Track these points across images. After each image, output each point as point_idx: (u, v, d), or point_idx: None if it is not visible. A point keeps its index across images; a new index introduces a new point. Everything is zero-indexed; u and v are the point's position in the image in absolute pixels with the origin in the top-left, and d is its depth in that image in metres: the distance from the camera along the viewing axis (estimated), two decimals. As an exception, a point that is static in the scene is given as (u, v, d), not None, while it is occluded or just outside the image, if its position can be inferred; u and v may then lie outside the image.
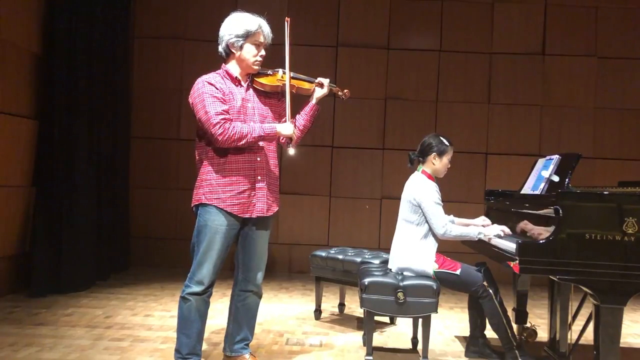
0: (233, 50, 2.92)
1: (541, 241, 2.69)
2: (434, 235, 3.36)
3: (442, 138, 3.46)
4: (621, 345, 2.72)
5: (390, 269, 3.47)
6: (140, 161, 6.24)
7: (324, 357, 3.43)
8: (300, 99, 3.13)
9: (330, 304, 4.75)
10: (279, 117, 3.06)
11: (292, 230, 6.32)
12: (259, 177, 2.92)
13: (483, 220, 3.52)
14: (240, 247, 3.02)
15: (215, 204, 2.85)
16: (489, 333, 3.45)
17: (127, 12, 6.01)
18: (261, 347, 3.54)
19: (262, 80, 2.98)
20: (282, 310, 4.55)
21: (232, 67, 2.96)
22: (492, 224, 3.45)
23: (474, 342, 3.53)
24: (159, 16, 6.33)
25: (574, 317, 3.39)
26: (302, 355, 3.45)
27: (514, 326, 3.46)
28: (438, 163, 3.44)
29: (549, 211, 2.78)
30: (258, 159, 2.92)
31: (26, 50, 4.70)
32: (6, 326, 3.76)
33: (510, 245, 2.89)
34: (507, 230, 3.25)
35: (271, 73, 3.03)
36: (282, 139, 2.97)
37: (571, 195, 2.70)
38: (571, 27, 6.32)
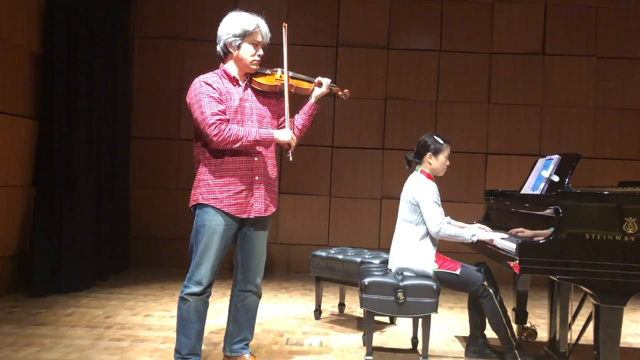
0: (231, 50, 2.91)
1: (541, 241, 2.69)
2: (432, 235, 3.36)
3: (436, 137, 3.47)
4: (621, 345, 2.72)
5: (390, 269, 3.47)
6: (140, 161, 6.24)
7: (324, 357, 3.43)
8: (300, 99, 3.12)
9: (330, 304, 4.75)
10: (278, 116, 3.05)
11: (292, 230, 6.32)
12: (257, 178, 2.92)
13: (479, 227, 3.51)
14: (238, 247, 3.02)
15: (212, 204, 2.85)
16: (489, 333, 3.45)
17: (127, 12, 6.02)
18: (261, 347, 3.54)
19: (260, 80, 2.97)
20: (282, 310, 4.55)
21: (230, 66, 2.95)
22: (492, 224, 3.46)
23: (474, 342, 3.53)
24: (159, 16, 6.32)
25: (574, 317, 3.39)
26: (302, 355, 3.45)
27: (514, 326, 3.46)
28: (435, 162, 3.44)
29: (549, 211, 2.78)
30: (256, 159, 2.92)
31: (26, 50, 4.71)
32: (6, 326, 3.76)
33: (510, 245, 2.89)
34: (501, 241, 3.20)
35: (269, 73, 3.02)
36: (285, 146, 2.94)
37: (571, 195, 2.70)
38: (571, 27, 6.32)
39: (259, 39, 2.94)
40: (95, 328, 3.80)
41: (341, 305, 4.53)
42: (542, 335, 3.68)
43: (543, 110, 6.35)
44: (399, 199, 3.53)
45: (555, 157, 3.25)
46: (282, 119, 3.04)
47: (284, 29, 3.05)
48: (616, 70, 6.32)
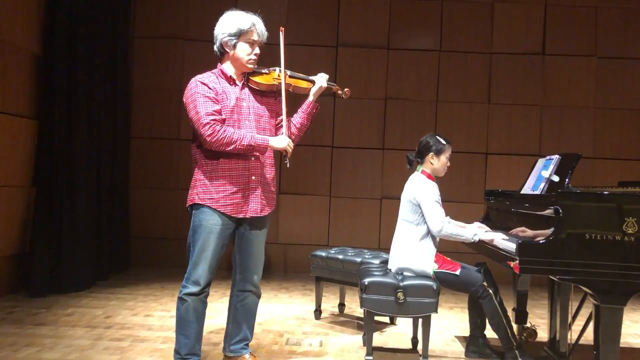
0: (227, 49, 2.91)
1: (541, 241, 2.69)
2: (434, 236, 3.36)
3: (438, 137, 3.47)
4: (621, 345, 2.72)
5: (390, 269, 3.47)
6: (140, 161, 6.24)
7: (324, 357, 3.43)
8: (300, 97, 3.10)
9: (330, 304, 4.75)
10: (276, 116, 3.05)
11: (292, 230, 6.32)
12: (253, 177, 2.90)
13: (478, 226, 3.51)
14: (236, 247, 3.02)
15: (208, 204, 2.84)
16: (489, 333, 3.45)
17: (127, 12, 6.02)
18: (261, 347, 3.54)
19: (258, 79, 2.96)
20: (282, 310, 4.55)
21: (227, 66, 2.94)
22: (492, 224, 3.46)
23: (474, 342, 3.53)
24: (159, 16, 6.32)
25: (574, 317, 3.39)
26: (302, 355, 3.45)
27: (514, 326, 3.46)
28: (436, 162, 3.44)
29: (549, 211, 2.78)
30: (252, 159, 2.91)
31: (26, 50, 4.71)
32: (6, 326, 3.76)
33: (510, 245, 2.89)
34: (501, 241, 3.20)
35: (267, 72, 3.00)
36: (283, 152, 2.93)
37: (571, 195, 2.70)
38: (571, 27, 6.32)
39: (255, 37, 2.93)
40: (95, 328, 3.80)
41: (341, 305, 4.53)
42: (542, 335, 3.68)
43: (543, 110, 6.35)
44: (399, 199, 3.53)
45: (555, 157, 3.25)
46: (280, 118, 3.03)
47: (280, 32, 3.03)
48: (616, 70, 6.32)
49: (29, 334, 3.60)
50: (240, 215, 2.89)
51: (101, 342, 3.52)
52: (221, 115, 2.83)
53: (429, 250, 3.36)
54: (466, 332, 3.71)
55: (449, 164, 3.50)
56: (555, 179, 3.10)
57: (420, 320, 3.42)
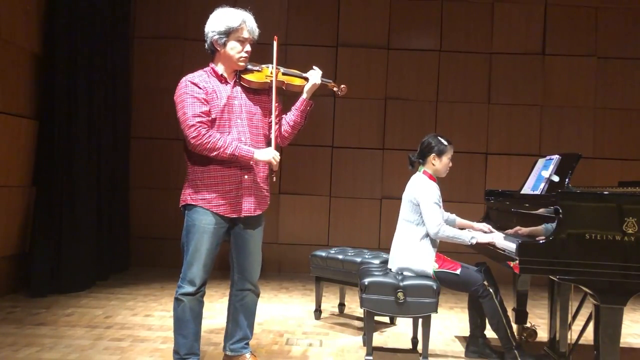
0: (217, 48, 2.87)
1: (541, 241, 2.69)
2: (430, 236, 3.36)
3: (440, 138, 3.46)
4: (621, 345, 2.72)
5: (390, 269, 3.47)
6: (140, 161, 6.24)
7: (324, 357, 3.43)
8: (294, 95, 3.05)
9: (330, 304, 4.75)
10: (270, 114, 2.98)
11: (292, 230, 6.32)
12: (246, 177, 2.87)
13: (483, 226, 3.51)
14: (232, 247, 3.00)
15: (200, 205, 2.83)
16: (489, 333, 3.45)
17: (127, 12, 6.02)
18: (261, 347, 3.54)
19: (249, 77, 2.92)
20: (282, 310, 4.55)
21: (218, 64, 2.91)
22: (492, 224, 3.46)
23: (474, 342, 3.53)
24: (159, 16, 6.32)
25: (574, 317, 3.39)
26: (302, 355, 3.45)
27: (514, 326, 3.47)
28: (438, 163, 3.44)
29: (549, 211, 2.78)
30: None
31: (26, 50, 4.70)
32: (6, 326, 3.76)
33: (510, 245, 2.89)
34: (501, 241, 3.19)
35: (259, 69, 2.95)
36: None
37: (571, 195, 2.70)
38: (571, 27, 6.32)
39: (246, 35, 2.88)
40: (95, 328, 3.80)
41: (341, 305, 4.53)
42: (542, 335, 3.68)
43: (543, 110, 6.35)
44: (399, 199, 3.53)
45: (555, 157, 3.25)
46: (269, 119, 2.98)
47: (274, 42, 2.98)
48: (616, 70, 6.32)
49: (29, 334, 3.60)
50: (234, 215, 2.87)
51: (101, 342, 3.52)
52: (209, 117, 2.79)
53: (430, 250, 3.36)
54: (466, 332, 3.71)
55: (450, 164, 3.50)
56: (555, 179, 3.10)
57: (420, 320, 3.41)
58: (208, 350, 3.41)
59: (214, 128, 2.83)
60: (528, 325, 3.53)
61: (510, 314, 3.45)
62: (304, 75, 3.03)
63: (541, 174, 3.28)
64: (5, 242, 4.52)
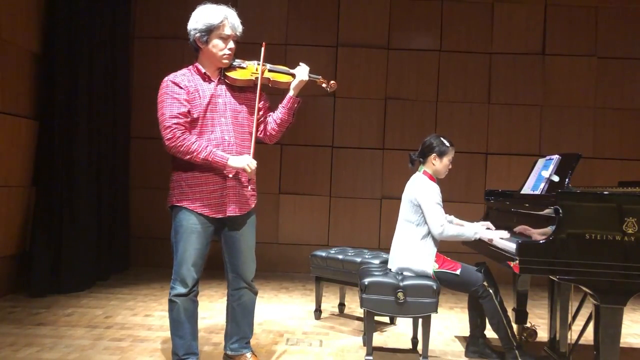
0: (200, 46, 2.84)
1: (541, 241, 2.69)
2: (434, 237, 3.35)
3: (442, 139, 3.46)
4: (621, 345, 2.72)
5: (390, 269, 3.47)
6: (140, 161, 6.24)
7: (324, 357, 3.43)
8: (283, 92, 3.00)
9: (330, 304, 4.75)
10: (257, 111, 2.93)
11: (292, 230, 6.32)
12: (231, 176, 2.83)
13: (482, 224, 3.51)
14: (224, 247, 3.00)
15: (185, 206, 2.82)
16: (489, 333, 3.45)
17: (127, 12, 6.02)
18: (261, 347, 3.54)
19: (234, 75, 2.87)
20: (282, 310, 4.55)
21: (202, 62, 2.88)
22: (494, 225, 3.45)
23: (474, 342, 3.53)
24: (159, 16, 6.32)
25: (574, 317, 3.39)
26: (302, 355, 3.45)
27: (514, 326, 3.46)
28: (438, 164, 3.44)
29: (549, 211, 2.78)
30: None
31: (26, 50, 4.70)
32: (6, 326, 3.76)
33: (510, 245, 2.89)
34: (506, 236, 3.21)
35: (244, 66, 2.91)
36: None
37: (571, 195, 2.69)
38: (571, 27, 6.32)
39: (228, 32, 2.82)
40: (95, 328, 3.80)
41: (341, 305, 4.53)
42: (542, 335, 3.68)
43: (543, 110, 6.35)
44: (399, 199, 3.53)
45: (555, 157, 3.25)
46: (260, 114, 2.95)
47: (262, 48, 2.93)
48: (616, 70, 6.32)
49: (29, 334, 3.60)
50: (219, 216, 2.85)
51: (101, 342, 3.52)
52: (187, 118, 2.75)
53: (430, 250, 3.36)
54: (466, 332, 3.71)
55: (450, 166, 3.50)
56: (555, 179, 3.10)
57: (420, 320, 3.42)
58: (208, 350, 3.41)
59: (197, 128, 2.80)
60: (528, 325, 3.53)
61: (510, 314, 3.45)
62: (291, 71, 2.98)
63: (541, 174, 3.28)
64: (5, 242, 4.52)
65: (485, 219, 3.93)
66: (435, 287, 3.24)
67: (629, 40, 6.31)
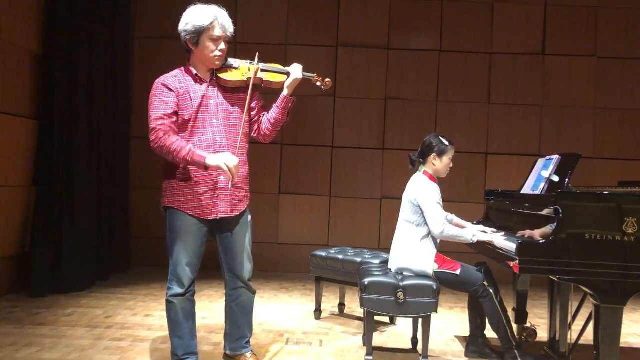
0: (191, 47, 2.82)
1: (541, 241, 2.69)
2: (434, 236, 3.35)
3: (442, 138, 3.45)
4: (621, 345, 2.72)
5: (390, 269, 3.47)
6: (140, 161, 6.23)
7: (324, 357, 3.43)
8: (275, 90, 2.99)
9: (330, 304, 4.75)
10: (250, 110, 2.93)
11: (292, 230, 6.32)
12: (222, 178, 2.82)
13: (479, 229, 3.49)
14: (219, 247, 3.00)
15: (177, 207, 2.82)
16: (489, 333, 3.45)
17: (127, 12, 6.02)
18: (261, 347, 3.54)
19: (226, 76, 2.86)
20: (282, 310, 4.55)
21: (194, 63, 2.87)
22: (492, 224, 3.45)
23: (474, 342, 3.53)
24: (159, 16, 6.32)
25: (574, 317, 3.39)
26: (302, 355, 3.45)
27: (514, 326, 3.46)
28: (438, 163, 3.43)
29: (549, 211, 2.78)
30: None
31: (26, 50, 4.71)
32: (6, 326, 3.76)
33: (510, 245, 2.89)
34: (501, 241, 3.18)
35: (236, 66, 2.89)
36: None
37: (571, 195, 2.69)
38: (571, 27, 6.32)
39: (218, 33, 2.80)
40: (95, 328, 3.80)
41: (341, 305, 4.53)
42: (542, 335, 3.68)
43: (543, 110, 6.35)
44: (399, 199, 3.53)
45: (555, 157, 3.25)
46: (253, 113, 2.96)
47: (256, 57, 2.91)
48: (616, 70, 6.31)
49: (29, 334, 3.60)
50: (211, 217, 2.85)
51: (101, 342, 3.52)
52: (173, 118, 2.75)
53: (430, 251, 3.36)
54: (466, 332, 3.71)
55: (451, 165, 3.49)
56: (555, 179, 3.10)
57: (420, 320, 3.42)
58: (208, 350, 3.41)
59: (188, 130, 2.79)
60: (528, 325, 3.53)
61: (510, 314, 3.45)
62: (285, 70, 2.96)
63: (541, 174, 3.28)
64: (5, 242, 4.52)
65: (485, 219, 3.93)
66: (435, 287, 3.24)
67: (629, 40, 6.31)
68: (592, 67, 6.33)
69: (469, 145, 6.24)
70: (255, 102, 2.98)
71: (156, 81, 2.83)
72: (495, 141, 6.34)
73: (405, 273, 3.36)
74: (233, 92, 2.92)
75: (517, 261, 2.67)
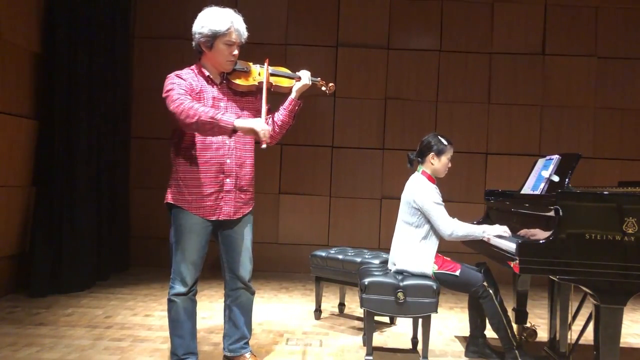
0: (204, 49, 2.83)
1: (541, 241, 2.69)
2: (434, 237, 3.35)
3: (440, 137, 3.45)
4: (621, 345, 2.72)
5: (390, 269, 3.46)
6: (140, 161, 6.24)
7: (324, 357, 3.43)
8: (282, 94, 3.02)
9: (330, 304, 4.75)
10: (257, 113, 2.92)
11: (292, 230, 6.32)
12: (228, 180, 2.85)
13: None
14: (221, 247, 3.01)
15: (181, 205, 2.83)
16: (489, 333, 3.45)
17: (127, 12, 6.02)
18: (261, 347, 3.54)
19: (237, 80, 2.88)
20: (282, 310, 4.55)
21: (205, 65, 2.88)
22: (492, 225, 3.45)
23: (474, 342, 3.52)
24: (159, 16, 6.33)
25: (574, 317, 3.39)
26: (302, 355, 3.45)
27: (514, 326, 3.46)
28: (437, 163, 3.42)
29: (549, 211, 2.78)
30: (228, 161, 2.85)
31: (26, 50, 4.70)
32: (6, 326, 3.76)
33: (510, 245, 2.89)
34: (509, 232, 3.23)
35: (247, 70, 2.91)
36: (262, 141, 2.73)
37: (571, 195, 2.69)
38: (571, 27, 6.32)
39: (234, 38, 2.81)
40: (95, 328, 3.80)
41: (341, 305, 4.53)
42: (542, 335, 3.68)
43: (543, 110, 6.35)
44: (398, 199, 3.52)
45: (555, 157, 3.25)
46: (266, 117, 2.98)
47: (265, 64, 2.92)
48: (616, 70, 6.32)
49: (29, 334, 3.60)
50: (213, 218, 2.86)
51: (101, 342, 3.52)
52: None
53: (429, 251, 3.35)
54: (466, 332, 3.71)
55: (450, 165, 3.49)
56: (555, 179, 3.09)
57: (420, 320, 3.41)
58: (208, 350, 3.41)
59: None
60: (528, 325, 3.52)
61: (510, 314, 3.45)
62: (295, 74, 2.98)
63: (541, 174, 3.28)
64: (5, 242, 4.52)
65: (485, 219, 3.93)
66: (435, 287, 3.24)
67: (629, 40, 6.31)
68: (592, 67, 6.33)
69: (469, 145, 6.25)
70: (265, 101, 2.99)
71: (171, 74, 2.82)
72: (495, 141, 6.34)
73: (405, 273, 3.35)
74: (242, 95, 2.94)
75: (517, 261, 2.67)
